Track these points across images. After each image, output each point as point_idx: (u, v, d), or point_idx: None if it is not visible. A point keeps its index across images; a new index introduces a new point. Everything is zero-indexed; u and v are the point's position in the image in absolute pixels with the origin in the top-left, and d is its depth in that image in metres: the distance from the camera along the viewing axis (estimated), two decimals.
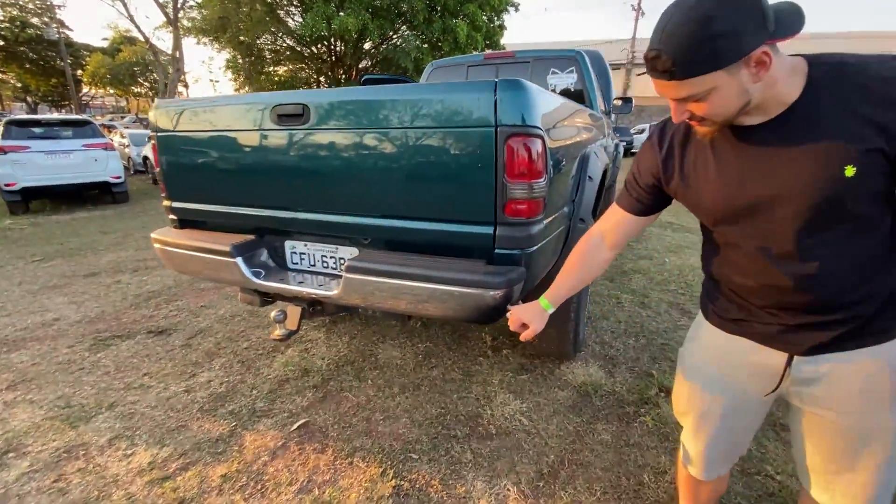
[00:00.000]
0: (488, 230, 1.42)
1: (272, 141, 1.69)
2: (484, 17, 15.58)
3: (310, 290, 1.68)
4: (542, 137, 1.37)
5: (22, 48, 25.37)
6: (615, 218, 1.10)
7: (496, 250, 1.43)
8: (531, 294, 1.40)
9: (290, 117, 1.62)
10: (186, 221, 2.08)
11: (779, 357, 0.93)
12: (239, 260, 1.76)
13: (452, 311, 1.41)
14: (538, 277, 1.60)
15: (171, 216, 2.10)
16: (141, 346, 2.75)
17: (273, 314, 1.77)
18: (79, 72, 31.04)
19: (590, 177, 1.98)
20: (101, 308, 3.34)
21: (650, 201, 1.04)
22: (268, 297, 1.97)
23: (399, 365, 2.44)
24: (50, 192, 7.48)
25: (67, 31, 27.89)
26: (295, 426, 1.95)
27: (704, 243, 1.05)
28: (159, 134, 1.96)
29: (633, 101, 4.64)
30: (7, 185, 6.96)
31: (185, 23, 17.26)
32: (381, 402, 2.12)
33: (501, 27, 17.29)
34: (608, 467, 1.74)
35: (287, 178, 1.71)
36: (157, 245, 2.02)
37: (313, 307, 1.83)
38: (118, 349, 2.70)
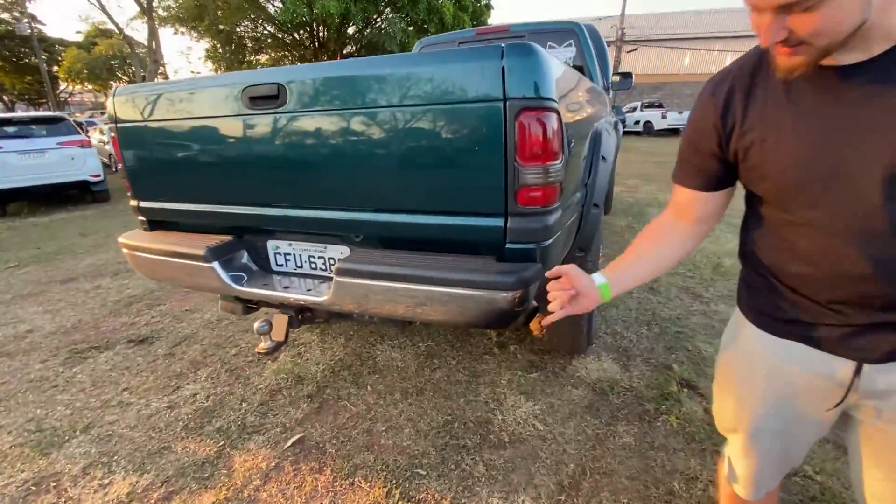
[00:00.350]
0: (498, 222, 1.23)
1: (245, 128, 1.48)
2: None
3: (296, 295, 1.49)
4: (557, 112, 1.17)
5: None
6: (683, 198, 0.90)
7: (508, 245, 1.24)
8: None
9: (265, 100, 1.41)
10: (157, 222, 1.88)
11: (845, 366, 0.76)
12: (215, 264, 1.57)
13: (459, 316, 1.24)
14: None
15: (140, 217, 1.89)
16: (120, 357, 2.55)
17: (256, 325, 1.58)
18: (55, 68, 30.03)
19: (603, 157, 1.79)
20: (78, 317, 3.13)
21: (717, 170, 0.82)
22: (251, 305, 1.78)
23: (400, 367, 2.27)
24: (26, 194, 7.15)
25: (40, 26, 26.89)
26: (289, 443, 1.78)
27: (747, 223, 0.87)
28: (119, 125, 1.74)
29: (633, 77, 4.45)
30: None
31: (161, 12, 16.63)
32: (383, 411, 1.95)
33: (488, 6, 16.86)
34: (634, 475, 1.59)
35: (265, 170, 1.51)
36: (125, 250, 1.82)
37: (302, 314, 1.65)
38: (96, 362, 2.51)
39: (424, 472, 1.62)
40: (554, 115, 1.16)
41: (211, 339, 2.70)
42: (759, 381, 0.87)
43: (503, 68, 1.11)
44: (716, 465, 1.61)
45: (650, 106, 20.67)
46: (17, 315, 3.21)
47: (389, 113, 1.26)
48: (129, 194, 1.86)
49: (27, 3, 22.62)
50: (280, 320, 1.61)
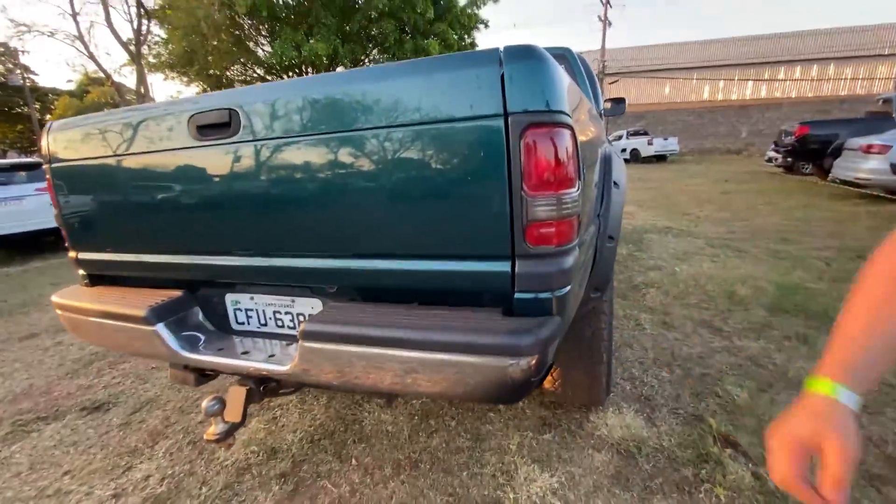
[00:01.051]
0: (504, 267, 0.98)
1: (193, 162, 1.24)
2: (454, 36, 15.53)
3: (255, 364, 1.20)
4: (571, 128, 0.94)
5: None
6: None
7: (516, 295, 0.98)
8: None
9: (214, 128, 1.18)
10: (99, 277, 1.60)
11: None
12: (159, 327, 1.29)
13: (460, 389, 0.96)
14: (567, 327, 1.14)
15: (80, 271, 1.62)
16: (69, 430, 2.21)
17: (205, 404, 1.28)
18: (47, 116, 30.30)
19: (615, 182, 1.56)
20: (30, 380, 2.78)
21: None
22: (207, 373, 1.48)
23: (390, 433, 1.95)
24: (3, 242, 6.85)
25: (32, 76, 27.23)
26: None
27: None
28: (54, 165, 1.49)
29: (626, 103, 4.35)
30: None
31: (151, 59, 16.88)
32: (370, 493, 1.63)
33: (473, 45, 17.30)
34: None
35: (217, 212, 1.26)
36: (58, 311, 1.53)
37: (265, 385, 1.35)
38: (40, 437, 2.16)
39: None
40: (567, 133, 0.93)
41: (176, 402, 2.37)
42: None
43: (502, 76, 0.89)
44: None
45: (636, 134, 21.05)
46: None
47: (364, 138, 1.03)
48: (66, 245, 1.60)
49: (20, 55, 22.90)
50: (236, 395, 1.31)
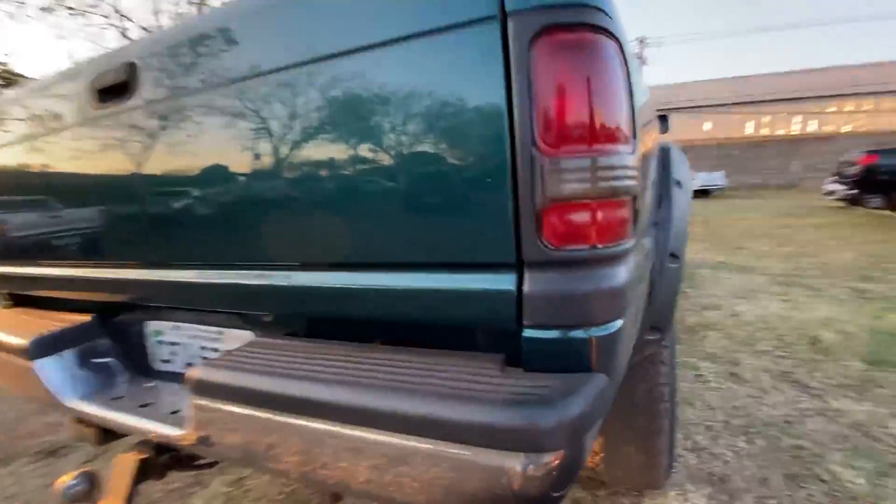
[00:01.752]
0: (503, 282, 0.57)
1: (94, 138, 0.93)
2: None
3: (145, 422, 0.83)
4: (618, 41, 0.55)
5: None
6: None
7: (526, 332, 0.57)
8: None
9: (115, 92, 0.86)
10: (24, 297, 1.30)
11: None
12: (38, 364, 0.94)
13: (415, 496, 0.54)
14: (618, 385, 0.70)
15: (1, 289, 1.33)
16: (13, 479, 1.89)
17: (65, 482, 0.90)
18: None
19: (678, 181, 1.14)
20: (3, 414, 2.52)
21: None
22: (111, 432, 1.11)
23: None
24: None
25: None
26: None
27: None
28: None
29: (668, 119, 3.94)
30: None
31: None
32: None
33: None
34: None
35: (123, 205, 0.93)
36: None
37: (171, 454, 0.96)
38: None
39: None
40: (612, 46, 0.54)
41: None
42: None
43: None
44: None
45: None
46: None
47: (293, 78, 0.68)
48: None
49: None
50: (121, 468, 0.91)
